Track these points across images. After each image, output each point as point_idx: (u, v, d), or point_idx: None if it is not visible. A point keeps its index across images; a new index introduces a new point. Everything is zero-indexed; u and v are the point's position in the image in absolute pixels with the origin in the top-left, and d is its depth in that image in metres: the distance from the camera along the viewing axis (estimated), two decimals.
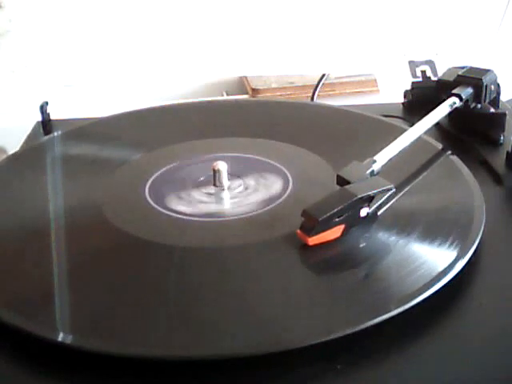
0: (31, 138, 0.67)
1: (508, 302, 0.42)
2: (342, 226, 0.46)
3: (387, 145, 0.53)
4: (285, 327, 0.39)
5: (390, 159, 0.52)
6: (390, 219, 0.48)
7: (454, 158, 0.56)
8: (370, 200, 0.47)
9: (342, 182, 0.48)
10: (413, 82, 0.71)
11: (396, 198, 0.50)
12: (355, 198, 0.46)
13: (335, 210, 0.45)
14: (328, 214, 0.44)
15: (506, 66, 0.80)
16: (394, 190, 0.48)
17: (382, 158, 0.51)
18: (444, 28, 0.93)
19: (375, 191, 0.47)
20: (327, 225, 0.45)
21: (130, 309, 0.41)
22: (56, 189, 0.55)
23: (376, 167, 0.50)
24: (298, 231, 0.45)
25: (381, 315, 0.38)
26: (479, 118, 0.62)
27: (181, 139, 0.62)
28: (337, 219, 0.45)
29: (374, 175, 0.49)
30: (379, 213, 0.48)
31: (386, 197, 0.48)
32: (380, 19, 0.92)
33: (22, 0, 0.87)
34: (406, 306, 0.39)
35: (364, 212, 0.47)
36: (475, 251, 0.44)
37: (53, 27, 0.88)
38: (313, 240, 0.45)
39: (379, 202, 0.48)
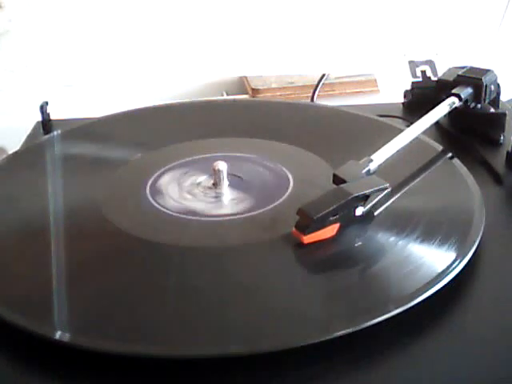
0: (31, 137, 0.67)
1: (508, 302, 0.42)
2: (337, 225, 0.46)
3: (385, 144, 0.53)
4: (285, 327, 0.39)
5: (388, 158, 0.52)
6: (389, 219, 0.48)
7: (454, 158, 0.56)
8: (365, 199, 0.47)
9: (338, 180, 0.48)
10: (413, 82, 0.71)
11: (396, 198, 0.50)
12: (350, 197, 0.46)
13: (330, 208, 0.45)
14: (323, 213, 0.45)
15: (506, 65, 0.80)
16: (389, 189, 0.48)
17: (379, 157, 0.51)
18: (444, 28, 0.93)
19: (370, 190, 0.47)
20: (322, 223, 0.45)
21: (129, 308, 0.41)
22: (56, 188, 0.55)
23: (372, 166, 0.50)
24: (294, 230, 0.45)
25: (381, 315, 0.38)
26: (479, 118, 0.62)
27: (181, 139, 0.62)
28: (332, 218, 0.45)
29: (371, 174, 0.50)
30: (376, 212, 0.48)
31: (381, 196, 0.48)
32: (380, 19, 0.92)
33: (21, 0, 0.87)
34: (406, 307, 0.39)
35: (359, 211, 0.47)
36: (475, 251, 0.44)
37: (53, 27, 0.88)
38: (308, 238, 0.45)
39: (374, 201, 0.48)
